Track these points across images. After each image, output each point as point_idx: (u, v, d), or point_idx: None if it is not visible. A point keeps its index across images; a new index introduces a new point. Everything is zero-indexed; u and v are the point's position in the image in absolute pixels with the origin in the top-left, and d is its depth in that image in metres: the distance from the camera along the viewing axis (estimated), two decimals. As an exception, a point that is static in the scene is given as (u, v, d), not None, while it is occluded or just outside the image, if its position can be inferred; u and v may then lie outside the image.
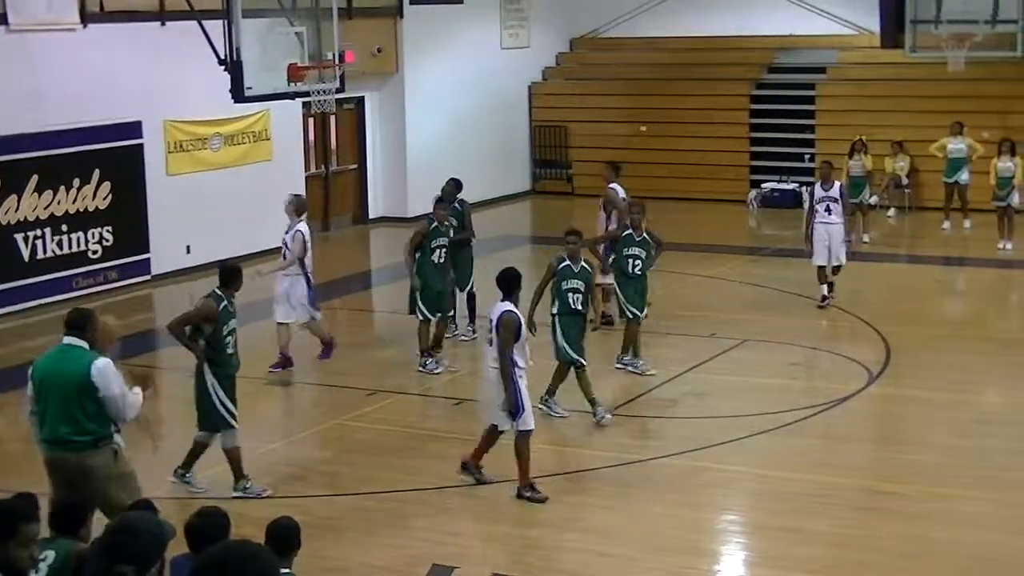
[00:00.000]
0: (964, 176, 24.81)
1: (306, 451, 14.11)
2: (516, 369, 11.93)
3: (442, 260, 16.52)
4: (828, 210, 18.94)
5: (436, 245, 16.41)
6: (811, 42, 29.87)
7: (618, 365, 16.02)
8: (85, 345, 9.83)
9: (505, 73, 30.02)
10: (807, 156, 28.77)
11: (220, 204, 22.73)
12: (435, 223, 16.52)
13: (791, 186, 28.46)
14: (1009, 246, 23.13)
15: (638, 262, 15.92)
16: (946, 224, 25.08)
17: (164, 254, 21.97)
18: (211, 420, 12.15)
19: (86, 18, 20.57)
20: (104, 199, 21.14)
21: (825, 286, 19.11)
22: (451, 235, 16.78)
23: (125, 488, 9.80)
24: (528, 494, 11.99)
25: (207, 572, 4.60)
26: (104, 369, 9.68)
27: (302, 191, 24.89)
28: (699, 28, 30.45)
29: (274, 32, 16.65)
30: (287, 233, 16.25)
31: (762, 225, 27.48)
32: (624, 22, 31.47)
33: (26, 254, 20.07)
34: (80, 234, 20.84)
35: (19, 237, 19.99)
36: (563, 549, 11.09)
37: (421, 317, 16.33)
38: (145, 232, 21.75)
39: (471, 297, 17.84)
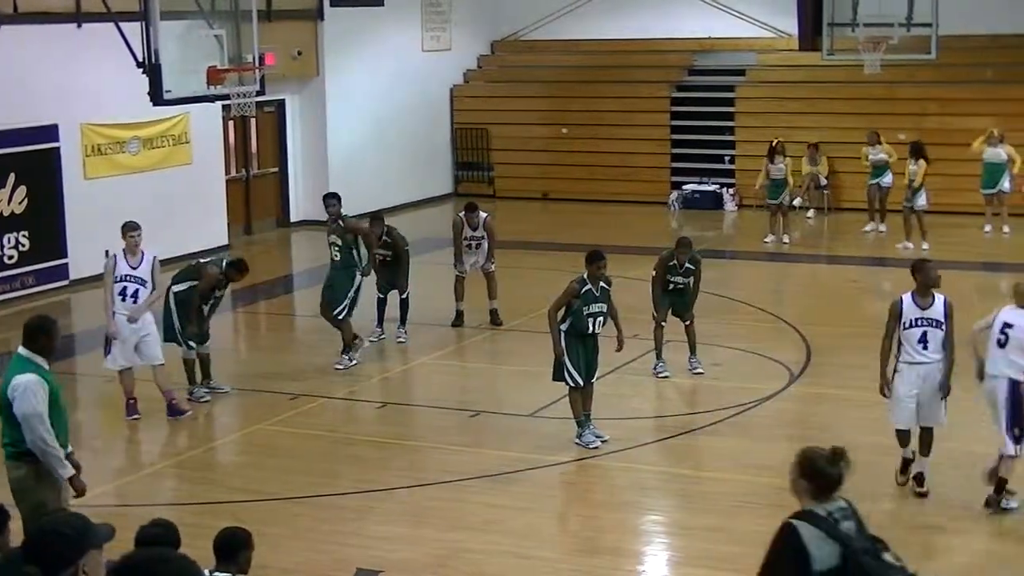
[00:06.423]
0: (887, 179, 24.99)
1: (228, 456, 14.03)
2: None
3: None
4: (923, 341, 11.97)
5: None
6: (730, 45, 30.15)
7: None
8: (32, 356, 9.44)
9: (426, 76, 29.98)
10: (727, 158, 29.12)
11: (139, 208, 22.29)
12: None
13: (711, 187, 28.79)
14: (925, 246, 23.40)
15: None
16: (869, 227, 25.25)
17: (82, 259, 21.65)
18: None
19: (-1, 19, 20.32)
20: (20, 203, 20.85)
21: (905, 460, 12.56)
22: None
23: (33, 512, 9.34)
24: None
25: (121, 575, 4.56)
26: (23, 386, 9.31)
27: (223, 195, 24.87)
28: (620, 31, 30.62)
29: (193, 34, 16.50)
30: (146, 260, 15.18)
31: (683, 226, 27.61)
32: (545, 25, 31.54)
33: (-60, 259, 19.81)
34: (-5, 239, 20.59)
35: (-67, 242, 19.72)
36: (485, 552, 11.07)
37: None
38: (62, 237, 21.47)
39: (404, 302, 17.85)
